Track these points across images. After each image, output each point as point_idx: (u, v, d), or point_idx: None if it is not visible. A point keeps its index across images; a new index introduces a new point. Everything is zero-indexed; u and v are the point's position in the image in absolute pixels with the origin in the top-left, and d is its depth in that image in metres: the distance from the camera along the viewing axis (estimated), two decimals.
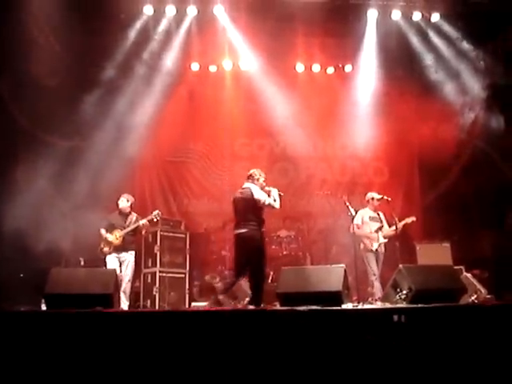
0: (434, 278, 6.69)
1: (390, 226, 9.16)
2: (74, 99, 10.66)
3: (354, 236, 8.84)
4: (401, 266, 6.88)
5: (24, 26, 9.61)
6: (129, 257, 8.70)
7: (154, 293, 9.64)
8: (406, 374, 5.10)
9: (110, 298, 6.45)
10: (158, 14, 10.72)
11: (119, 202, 8.95)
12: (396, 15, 10.89)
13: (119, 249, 8.66)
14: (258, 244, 7.58)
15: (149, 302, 9.72)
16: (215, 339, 5.24)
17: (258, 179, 7.96)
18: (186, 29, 11.04)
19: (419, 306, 5.99)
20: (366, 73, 12.01)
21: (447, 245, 10.48)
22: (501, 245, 10.47)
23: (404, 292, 6.48)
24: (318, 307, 5.57)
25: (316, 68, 12.39)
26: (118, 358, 5.15)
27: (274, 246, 11.02)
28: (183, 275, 10.11)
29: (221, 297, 7.57)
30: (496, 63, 11.13)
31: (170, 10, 10.60)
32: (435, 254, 10.29)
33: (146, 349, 5.20)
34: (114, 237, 8.65)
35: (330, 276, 6.33)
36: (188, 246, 10.34)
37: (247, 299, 8.15)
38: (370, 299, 8.29)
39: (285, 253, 10.87)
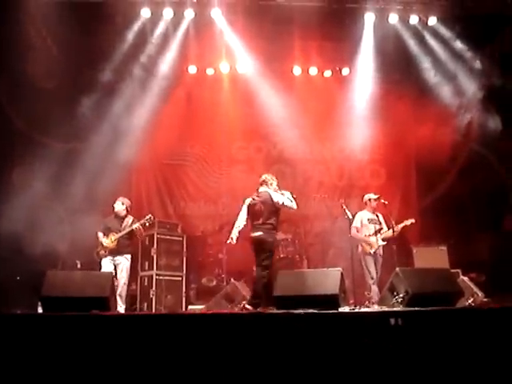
0: (431, 281, 6.70)
1: (388, 228, 9.17)
2: (71, 101, 10.66)
3: (352, 239, 8.85)
4: (397, 269, 6.89)
5: (21, 27, 9.61)
6: (124, 260, 8.69)
7: (151, 296, 9.62)
8: (402, 376, 5.10)
9: (107, 301, 6.45)
10: (156, 17, 10.69)
11: (115, 206, 8.96)
12: (393, 19, 10.87)
13: (114, 252, 8.66)
14: (270, 247, 7.91)
15: (145, 305, 9.70)
16: (212, 342, 5.24)
17: (271, 184, 8.23)
18: (184, 32, 11.01)
19: (416, 309, 5.99)
20: (363, 76, 12.00)
21: (444, 248, 10.48)
22: (498, 248, 10.48)
23: (401, 295, 6.49)
24: (315, 310, 5.58)
25: (313, 71, 12.40)
26: (115, 361, 5.16)
27: None
28: (180, 278, 10.10)
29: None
30: (493, 66, 11.16)
31: (168, 13, 10.58)
32: (432, 257, 10.28)
33: (142, 352, 5.21)
34: (110, 240, 8.65)
35: (327, 279, 6.33)
36: (185, 249, 10.33)
37: (244, 302, 8.15)
38: (366, 302, 8.28)
39: (281, 256, 10.83)
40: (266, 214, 7.98)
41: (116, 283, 8.00)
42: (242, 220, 8.24)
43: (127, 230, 8.75)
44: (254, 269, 10.51)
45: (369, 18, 10.90)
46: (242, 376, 5.10)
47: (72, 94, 10.68)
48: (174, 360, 5.17)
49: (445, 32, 11.11)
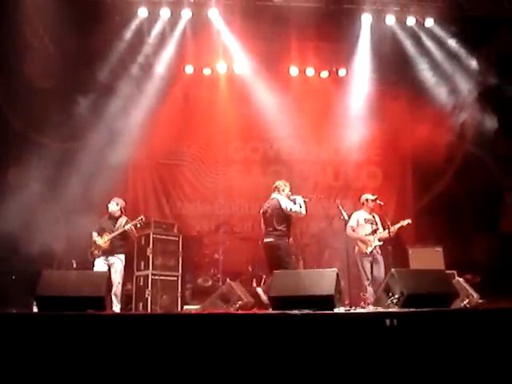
0: (426, 282, 6.70)
1: (384, 229, 9.16)
2: (68, 101, 10.65)
3: (348, 239, 8.86)
4: (393, 270, 6.89)
5: (18, 27, 9.60)
6: (117, 260, 8.69)
7: (147, 296, 9.60)
8: (398, 377, 5.11)
9: (102, 301, 6.44)
10: (153, 17, 10.69)
11: (109, 206, 8.96)
12: (390, 20, 10.90)
13: (107, 253, 8.67)
14: (282, 253, 8.08)
15: (141, 304, 9.67)
16: (207, 343, 5.23)
17: (283, 190, 8.45)
18: (181, 32, 11.02)
19: (411, 310, 6.00)
20: (360, 77, 12.03)
21: (439, 249, 10.47)
22: (493, 249, 10.50)
23: (396, 296, 6.48)
24: (310, 311, 5.57)
25: (310, 72, 12.41)
26: (110, 361, 5.15)
27: None
28: (176, 278, 10.08)
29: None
30: (489, 67, 11.19)
31: (165, 13, 10.59)
32: (428, 258, 10.29)
33: (137, 351, 5.20)
34: (103, 241, 8.66)
35: (323, 280, 6.32)
36: (181, 249, 10.31)
37: (240, 302, 8.16)
38: (362, 303, 8.29)
39: None
40: (276, 220, 8.19)
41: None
42: (263, 227, 8.52)
43: (120, 230, 8.75)
44: (250, 269, 10.66)
45: (366, 19, 10.92)
46: (238, 376, 5.10)
47: (69, 93, 10.67)
48: (169, 360, 5.16)
49: (441, 33, 11.13)
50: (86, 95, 10.85)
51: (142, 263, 9.92)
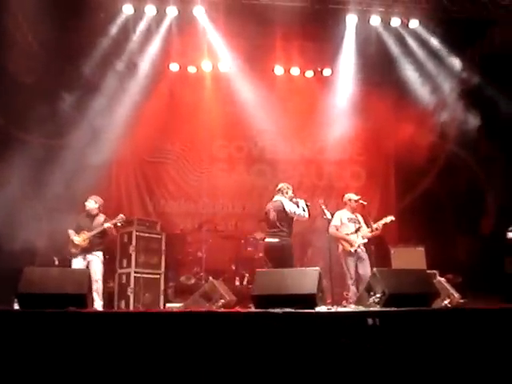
0: (408, 282, 6.74)
1: (368, 228, 9.19)
2: (51, 97, 10.56)
3: (332, 238, 8.89)
4: (375, 269, 6.94)
5: (1, 22, 9.50)
6: (95, 258, 8.67)
7: (129, 293, 9.57)
8: (379, 376, 5.14)
9: (84, 298, 6.41)
10: (138, 14, 10.63)
11: (86, 204, 8.92)
12: (375, 21, 10.94)
13: (86, 250, 8.65)
14: (286, 253, 8.26)
15: (123, 302, 9.65)
16: (189, 341, 5.23)
17: (286, 192, 8.62)
18: (166, 29, 10.96)
19: (392, 309, 6.03)
20: (345, 77, 12.08)
21: (421, 249, 10.54)
22: (475, 250, 10.58)
23: (377, 295, 6.52)
24: (292, 310, 5.58)
25: (295, 71, 12.43)
26: (92, 358, 5.13)
27: (249, 248, 11.06)
28: (158, 276, 10.06)
29: None
30: (473, 69, 11.28)
31: (150, 10, 10.53)
32: (410, 257, 10.35)
33: (119, 349, 5.18)
34: (81, 239, 8.63)
35: (305, 279, 6.34)
36: (164, 247, 10.28)
37: (222, 301, 8.17)
38: (343, 302, 8.33)
39: (260, 255, 10.83)
40: (280, 221, 8.36)
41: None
42: (265, 228, 8.83)
43: (99, 229, 8.72)
44: (233, 267, 10.68)
45: (351, 20, 10.94)
46: (220, 374, 5.10)
47: (52, 89, 10.58)
48: (151, 357, 5.15)
49: (426, 35, 11.19)
50: (69, 92, 10.77)
51: (125, 261, 9.88)
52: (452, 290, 8.71)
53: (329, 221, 8.72)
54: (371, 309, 6.36)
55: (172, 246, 10.73)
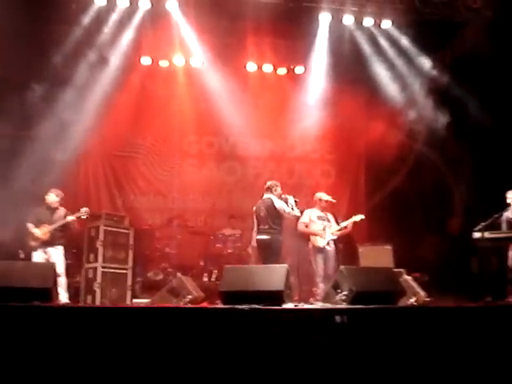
0: (374, 280, 6.81)
1: (337, 225, 9.23)
2: (21, 88, 10.42)
3: (301, 235, 8.91)
4: (342, 267, 6.98)
5: None
6: (56, 251, 8.58)
7: (96, 288, 9.44)
8: (345, 373, 5.16)
9: (49, 292, 6.35)
10: (110, 5, 10.52)
11: (47, 197, 8.82)
12: (348, 20, 10.99)
13: (47, 244, 8.55)
14: (276, 250, 8.35)
15: (90, 297, 9.52)
16: (156, 336, 5.20)
17: (275, 189, 8.76)
18: (138, 22, 10.87)
19: (359, 306, 6.08)
20: (317, 75, 12.10)
21: (389, 247, 10.62)
22: (442, 249, 10.69)
23: (344, 293, 6.56)
24: (259, 306, 5.59)
25: (267, 68, 12.43)
26: (56, 353, 5.07)
27: (218, 245, 11.05)
28: (126, 271, 9.93)
29: None
30: (444, 70, 11.40)
31: (123, 2, 10.43)
32: (377, 256, 10.41)
33: (84, 344, 5.13)
34: (42, 232, 8.52)
35: (272, 275, 6.36)
36: (132, 242, 10.16)
37: (189, 297, 8.14)
38: (311, 299, 8.36)
39: (229, 251, 10.89)
40: (270, 219, 8.46)
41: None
42: (255, 225, 8.77)
43: (61, 222, 8.63)
44: (202, 263, 10.65)
45: (324, 18, 10.98)
46: (186, 370, 5.08)
47: (22, 81, 10.43)
48: (117, 352, 5.12)
49: (398, 35, 11.28)
50: (39, 83, 10.60)
51: (92, 255, 9.73)
52: (418, 289, 8.79)
53: (298, 218, 8.73)
54: (338, 306, 6.40)
55: (140, 241, 10.62)
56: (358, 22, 11.09)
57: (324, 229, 9.02)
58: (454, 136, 11.06)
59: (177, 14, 10.72)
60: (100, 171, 12.27)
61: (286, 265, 6.61)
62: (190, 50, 11.65)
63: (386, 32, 11.33)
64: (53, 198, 8.81)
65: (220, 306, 6.39)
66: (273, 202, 8.52)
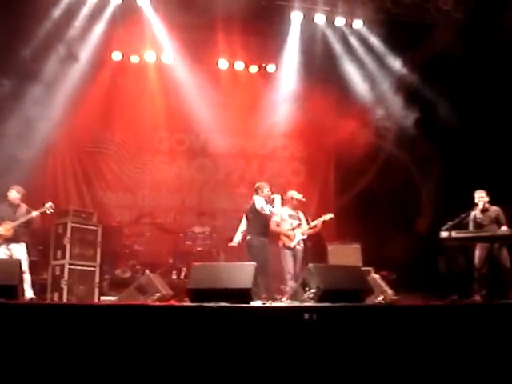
0: (342, 278, 6.85)
1: (308, 224, 9.27)
2: None
3: (272, 233, 8.93)
4: (310, 265, 7.00)
5: None
6: (19, 247, 8.46)
7: (63, 286, 9.34)
8: (313, 370, 5.17)
9: (15, 289, 6.27)
10: None
11: (9, 194, 8.69)
12: (319, 19, 11.04)
13: (10, 241, 8.43)
14: (258, 250, 8.46)
15: (57, 295, 9.42)
16: (123, 334, 5.16)
17: (262, 191, 8.80)
18: (109, 17, 10.77)
19: (326, 304, 6.10)
20: (289, 74, 12.13)
21: (358, 246, 10.70)
22: (411, 248, 10.78)
23: (312, 291, 6.58)
24: (227, 304, 5.58)
25: (239, 66, 12.43)
26: (22, 351, 4.99)
27: (187, 242, 11.00)
28: (93, 268, 9.85)
29: None
30: (413, 71, 11.51)
31: None
32: (346, 254, 10.48)
33: (51, 341, 5.06)
34: (4, 229, 8.41)
35: (241, 273, 6.36)
36: (100, 239, 10.07)
37: (157, 294, 8.09)
38: (279, 297, 8.37)
39: (198, 249, 10.84)
40: (255, 219, 8.64)
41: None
42: (242, 226, 8.95)
43: (25, 218, 8.52)
44: (170, 261, 10.60)
45: (296, 17, 11.02)
46: (152, 368, 5.04)
47: None
48: (83, 350, 5.05)
49: (369, 35, 11.36)
50: (7, 77, 10.44)
51: (59, 252, 9.63)
52: (386, 287, 8.86)
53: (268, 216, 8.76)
54: (305, 304, 6.42)
55: (109, 238, 10.52)
56: (330, 21, 11.18)
57: (294, 228, 9.06)
58: (423, 136, 11.18)
59: (148, 9, 10.67)
60: (68, 167, 12.10)
61: (254, 263, 6.61)
62: (161, 46, 11.59)
63: (358, 32, 11.40)
64: (14, 194, 8.70)
65: (188, 303, 6.36)
66: (255, 204, 8.64)
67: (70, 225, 9.56)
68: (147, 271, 9.12)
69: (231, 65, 12.37)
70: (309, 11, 10.95)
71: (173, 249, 11.12)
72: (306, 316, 5.46)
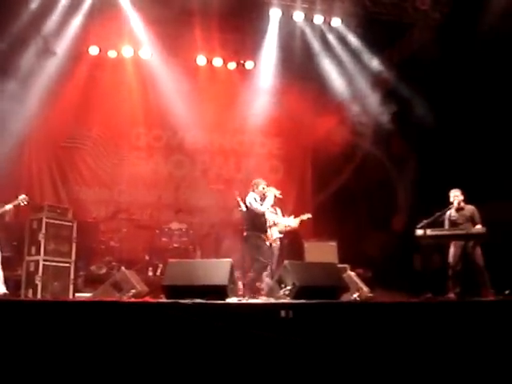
0: (317, 275, 6.88)
1: (285, 222, 9.31)
2: None
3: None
4: (286, 262, 7.03)
5: None
6: None
7: (37, 282, 9.22)
8: (288, 367, 5.19)
9: None
10: None
11: None
12: (298, 16, 11.05)
13: None
14: (247, 245, 8.45)
15: (31, 291, 9.31)
16: (98, 331, 5.13)
17: (257, 187, 8.76)
18: (87, 10, 10.66)
19: (301, 301, 6.12)
20: (267, 71, 12.13)
21: (334, 243, 10.76)
22: (386, 246, 10.85)
23: (288, 287, 6.60)
24: (203, 301, 5.57)
25: (217, 62, 12.40)
26: None
27: (164, 239, 10.95)
28: (68, 265, 9.74)
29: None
30: (390, 69, 11.57)
31: None
32: (322, 251, 10.53)
33: (24, 339, 5.02)
34: None
35: (217, 270, 6.37)
36: (75, 235, 9.97)
37: (133, 291, 8.04)
38: (254, 294, 8.37)
39: (175, 245, 10.81)
40: (249, 216, 8.58)
41: None
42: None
43: None
44: (147, 258, 10.56)
45: (274, 14, 11.01)
46: (128, 365, 5.03)
47: None
48: (58, 347, 5.03)
49: (347, 33, 11.40)
50: None
51: (33, 248, 9.51)
52: (361, 284, 8.92)
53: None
54: (281, 301, 6.43)
55: (84, 234, 10.41)
56: (309, 19, 11.19)
57: (271, 226, 9.08)
58: (399, 134, 11.24)
59: (126, 3, 10.59)
60: (44, 162, 11.96)
61: (230, 259, 6.61)
62: (139, 41, 11.51)
63: (336, 29, 11.43)
64: None
65: (163, 300, 6.34)
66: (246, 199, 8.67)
67: (44, 220, 9.44)
68: (123, 268, 9.04)
69: (209, 61, 12.33)
70: (287, 8, 10.96)
71: (149, 245, 11.07)
72: (283, 313, 5.47)
